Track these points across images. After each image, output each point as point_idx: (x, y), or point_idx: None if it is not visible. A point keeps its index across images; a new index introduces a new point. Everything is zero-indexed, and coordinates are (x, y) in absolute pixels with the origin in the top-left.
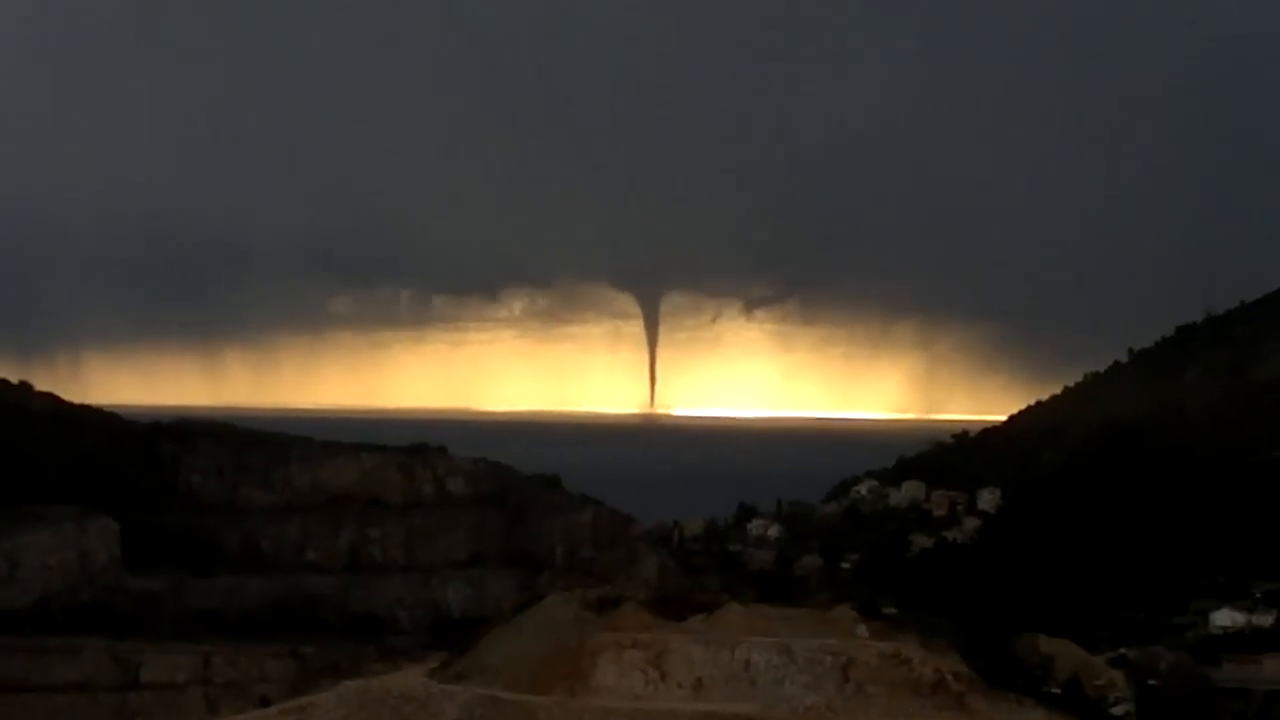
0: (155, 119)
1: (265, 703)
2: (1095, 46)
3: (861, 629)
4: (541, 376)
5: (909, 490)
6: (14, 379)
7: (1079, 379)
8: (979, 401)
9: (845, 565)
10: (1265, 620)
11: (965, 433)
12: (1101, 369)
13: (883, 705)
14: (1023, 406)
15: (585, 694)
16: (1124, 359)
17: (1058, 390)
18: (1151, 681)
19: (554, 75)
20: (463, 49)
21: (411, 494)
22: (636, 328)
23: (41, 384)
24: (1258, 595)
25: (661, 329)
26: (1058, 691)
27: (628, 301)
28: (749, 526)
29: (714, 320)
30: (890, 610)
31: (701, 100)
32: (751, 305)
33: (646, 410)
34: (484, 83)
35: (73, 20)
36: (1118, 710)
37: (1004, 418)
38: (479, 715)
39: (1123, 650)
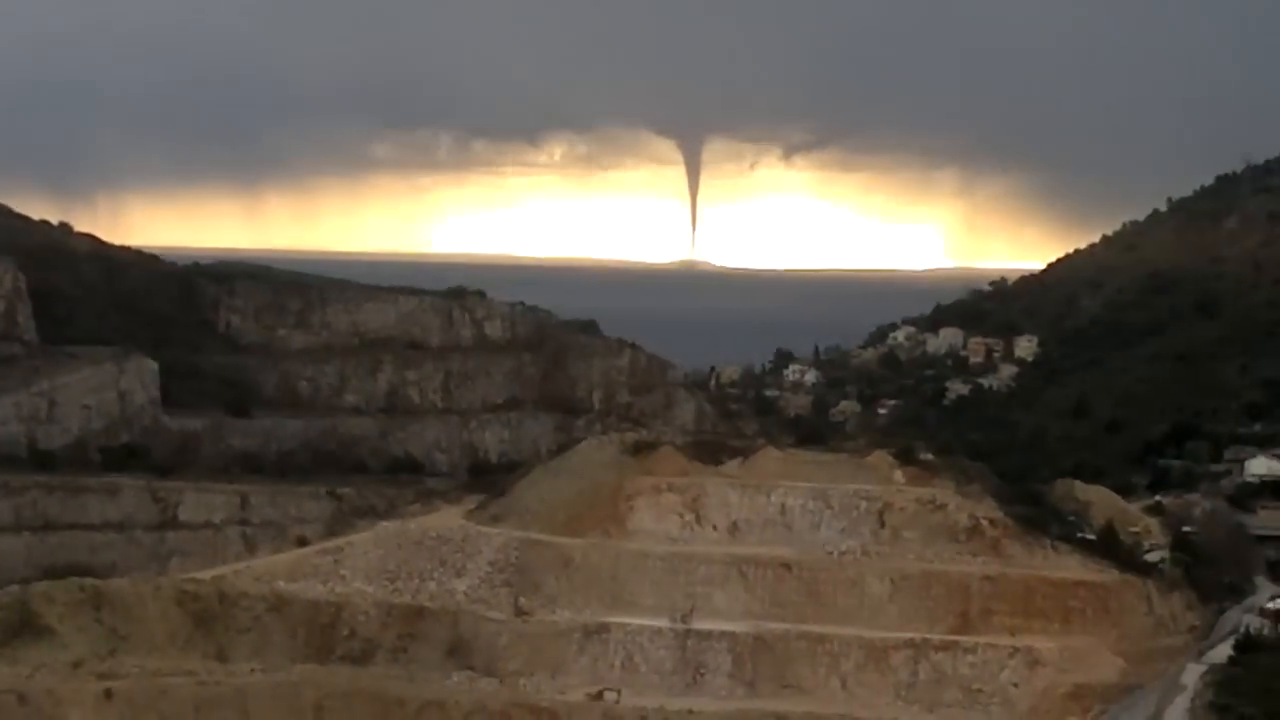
0: None
1: (303, 542)
2: None
3: (898, 474)
4: (581, 222)
5: (946, 337)
6: (54, 220)
7: (1118, 228)
8: (1018, 249)
9: (882, 411)
10: None
11: (1003, 280)
12: (1141, 218)
13: (918, 550)
14: (1061, 255)
15: (622, 537)
16: (1163, 208)
17: (1096, 239)
18: (1187, 529)
19: None
20: None
21: (450, 338)
22: (676, 174)
23: (82, 226)
24: None
25: (701, 176)
26: (1093, 538)
27: (669, 147)
28: (786, 372)
29: (753, 166)
30: (926, 456)
31: None
32: (791, 151)
33: (687, 257)
34: None
35: None
36: (1153, 557)
37: (1042, 265)
38: (515, 557)
39: (1158, 497)
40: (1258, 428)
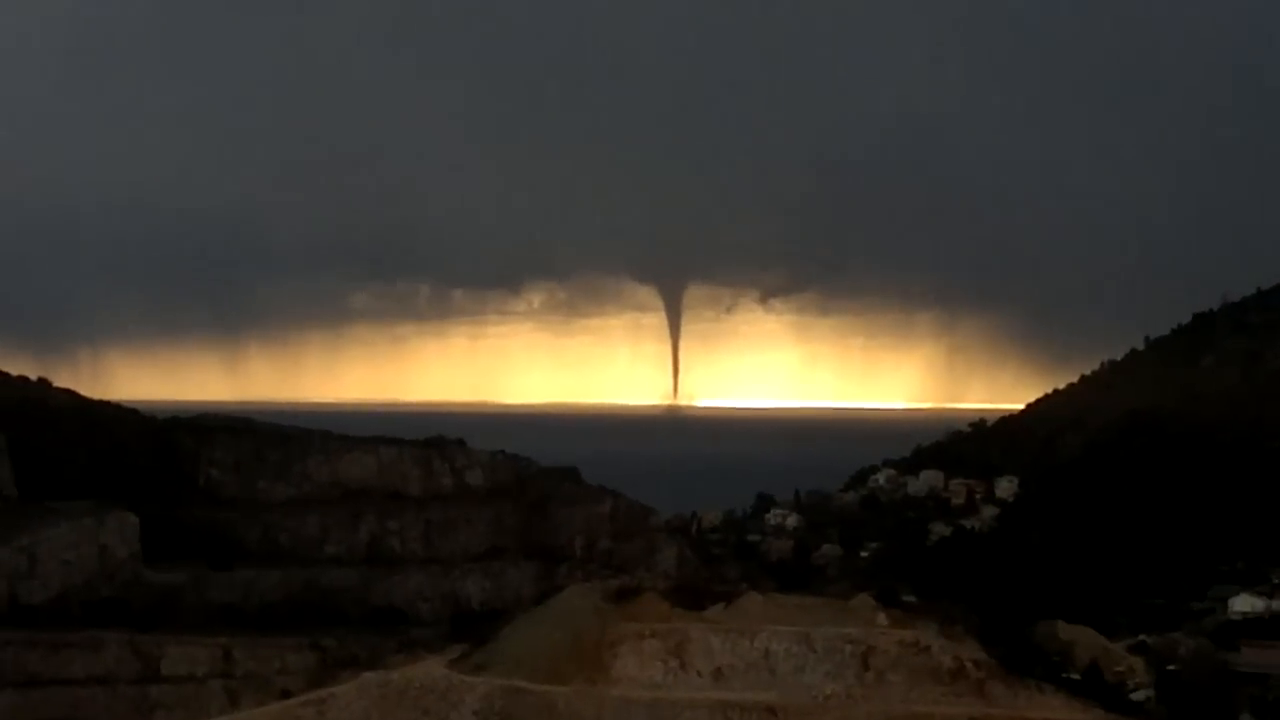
0: (176, 117)
1: (286, 695)
2: (1115, 44)
3: (881, 617)
4: (561, 369)
5: (927, 479)
6: (33, 375)
7: (1096, 367)
8: (997, 390)
9: (864, 554)
10: None
11: (983, 421)
12: (1119, 357)
13: (902, 693)
14: (1040, 395)
15: (605, 684)
16: (1141, 347)
17: (1075, 379)
18: (1171, 667)
19: (574, 71)
20: (484, 45)
21: (430, 487)
22: (655, 319)
23: (62, 380)
24: (1276, 581)
25: (682, 320)
26: (1077, 678)
27: (647, 294)
28: (767, 516)
29: (729, 310)
30: (909, 598)
31: (720, 96)
32: (768, 295)
33: (669, 401)
34: (505, 79)
35: (97, 22)
36: (1137, 696)
37: (1021, 406)
38: (499, 706)
39: (1142, 637)
40: (1240, 565)
